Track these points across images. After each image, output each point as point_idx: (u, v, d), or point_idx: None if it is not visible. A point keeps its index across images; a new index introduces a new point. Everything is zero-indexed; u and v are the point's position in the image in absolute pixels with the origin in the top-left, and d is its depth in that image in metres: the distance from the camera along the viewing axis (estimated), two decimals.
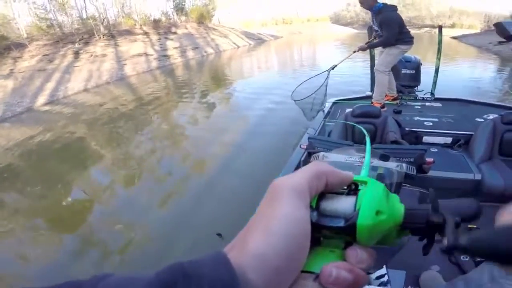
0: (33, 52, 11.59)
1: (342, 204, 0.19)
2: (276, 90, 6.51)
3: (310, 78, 3.21)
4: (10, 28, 13.73)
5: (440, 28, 3.06)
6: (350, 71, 6.63)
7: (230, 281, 0.15)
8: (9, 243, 2.58)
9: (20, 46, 11.99)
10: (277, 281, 0.17)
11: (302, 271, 0.18)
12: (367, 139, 0.48)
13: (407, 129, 2.27)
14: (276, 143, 3.82)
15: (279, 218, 0.17)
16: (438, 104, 2.94)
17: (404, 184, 1.38)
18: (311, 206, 0.19)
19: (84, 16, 16.28)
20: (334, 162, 1.43)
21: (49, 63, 10.48)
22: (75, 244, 2.44)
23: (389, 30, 2.71)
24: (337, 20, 37.82)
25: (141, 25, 17.10)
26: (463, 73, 6.77)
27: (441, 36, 2.99)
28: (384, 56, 2.90)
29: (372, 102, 2.97)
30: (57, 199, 3.23)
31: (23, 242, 2.58)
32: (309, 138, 1.77)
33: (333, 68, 3.28)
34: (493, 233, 0.17)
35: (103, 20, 15.95)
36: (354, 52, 3.13)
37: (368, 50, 3.16)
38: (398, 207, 0.19)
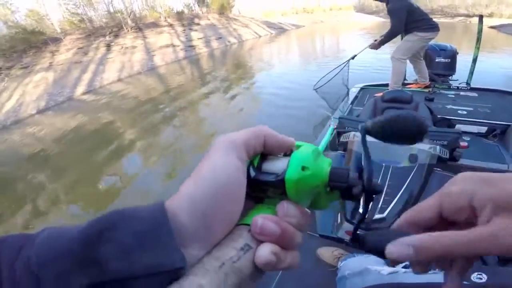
0: (68, 45, 12.18)
1: (278, 163, 0.21)
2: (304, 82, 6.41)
3: (331, 70, 3.32)
4: (44, 24, 14.52)
5: (481, 17, 2.92)
6: (374, 61, 5.95)
7: (161, 220, 0.16)
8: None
9: (56, 40, 12.65)
10: (205, 223, 0.17)
11: (241, 224, 0.19)
12: (331, 128, 0.50)
13: (439, 116, 2.18)
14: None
15: (208, 164, 0.19)
16: (474, 94, 2.81)
17: (436, 169, 1.37)
18: (252, 165, 0.21)
19: (111, 10, 16.84)
20: (358, 144, 1.41)
21: (84, 56, 10.97)
22: None
23: (394, 19, 2.67)
24: (362, 8, 36.24)
25: (165, 18, 17.38)
26: (503, 64, 6.29)
27: (482, 25, 2.84)
28: (402, 43, 2.81)
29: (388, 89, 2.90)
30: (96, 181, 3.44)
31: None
32: (339, 118, 1.74)
33: (353, 58, 3.41)
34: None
35: (130, 14, 16.39)
36: (369, 47, 3.07)
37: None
38: (325, 166, 0.21)
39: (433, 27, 2.71)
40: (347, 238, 1.26)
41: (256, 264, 0.18)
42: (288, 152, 0.22)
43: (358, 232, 0.23)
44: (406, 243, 0.19)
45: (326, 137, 1.99)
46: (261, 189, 0.21)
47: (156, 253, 0.16)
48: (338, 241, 1.28)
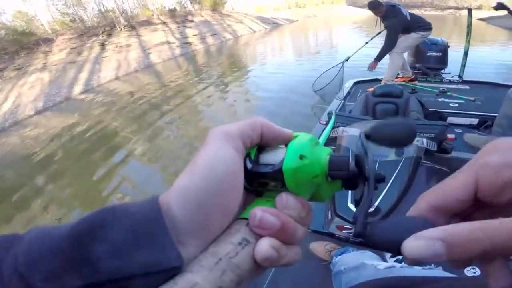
0: (60, 46, 11.96)
1: (275, 154, 0.20)
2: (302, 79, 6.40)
3: (326, 70, 3.63)
4: (34, 25, 14.22)
5: (470, 10, 2.96)
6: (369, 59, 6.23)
7: (154, 215, 0.16)
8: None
9: (48, 41, 12.40)
10: (201, 216, 0.16)
11: (240, 219, 0.18)
12: (333, 117, 0.49)
13: (430, 109, 2.18)
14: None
15: (203, 156, 0.18)
16: (466, 87, 2.83)
17: (425, 162, 1.35)
18: (249, 157, 0.20)
19: (103, 9, 16.56)
20: (351, 135, 1.42)
21: (78, 55, 10.78)
22: None
23: (390, 36, 2.88)
24: (354, 2, 36.22)
25: (158, 15, 17.16)
26: (493, 57, 6.36)
27: (471, 18, 2.88)
28: (403, 40, 2.96)
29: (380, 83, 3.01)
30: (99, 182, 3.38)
31: None
32: (328, 113, 1.73)
33: (347, 60, 3.70)
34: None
35: (122, 12, 16.13)
36: (367, 69, 3.21)
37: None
38: (323, 154, 0.20)
39: (430, 27, 2.93)
40: (338, 232, 1.25)
41: (256, 260, 0.17)
42: (286, 144, 0.21)
43: (362, 223, 0.19)
44: (433, 237, 0.14)
45: (326, 131, 1.98)
46: (260, 182, 0.20)
47: (151, 251, 0.15)
48: (330, 236, 1.28)
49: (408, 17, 2.86)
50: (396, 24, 2.82)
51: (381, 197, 1.14)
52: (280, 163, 0.19)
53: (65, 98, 7.74)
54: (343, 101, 2.69)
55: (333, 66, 3.60)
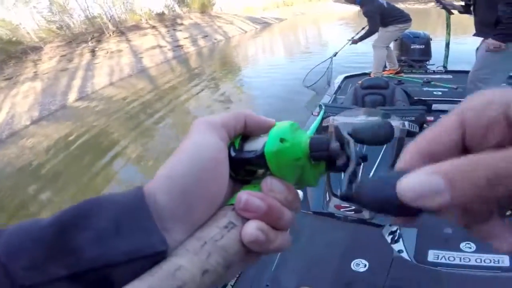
0: (49, 53, 11.76)
1: (258, 142, 0.20)
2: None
3: (316, 66, 3.82)
4: (20, 33, 13.92)
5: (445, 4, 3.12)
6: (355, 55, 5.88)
7: (138, 202, 0.16)
8: None
9: (35, 49, 12.17)
10: (186, 203, 0.16)
11: (227, 205, 0.19)
12: (323, 108, 0.59)
13: (416, 98, 2.33)
14: None
15: (187, 144, 0.18)
16: (449, 76, 2.98)
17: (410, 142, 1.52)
18: (233, 146, 0.20)
19: (89, 16, 16.32)
20: (341, 123, 1.55)
21: (69, 63, 10.64)
22: None
23: (370, 21, 3.03)
24: None
25: (147, 20, 17.03)
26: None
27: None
28: (382, 33, 3.10)
29: (369, 76, 3.16)
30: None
31: None
32: (319, 105, 1.90)
33: (335, 55, 3.82)
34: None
35: (110, 18, 15.95)
36: (350, 43, 3.43)
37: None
38: (304, 137, 0.20)
39: (408, 19, 3.03)
40: (337, 212, 1.31)
41: (243, 243, 0.17)
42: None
43: (347, 185, 0.17)
44: (431, 172, 0.12)
45: (316, 122, 2.10)
46: (246, 171, 0.21)
47: (135, 238, 0.15)
48: (330, 216, 1.35)
49: (385, 5, 2.99)
50: (372, 9, 2.95)
51: (369, 176, 1.27)
52: (262, 148, 0.19)
53: (60, 106, 7.65)
54: (334, 95, 2.84)
55: (322, 62, 3.79)
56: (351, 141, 0.19)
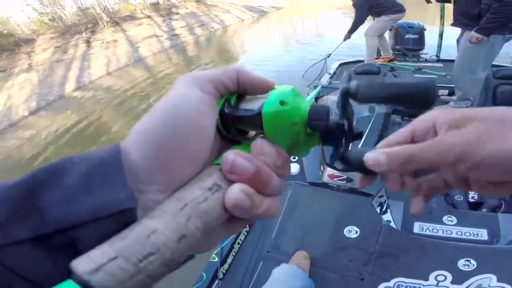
0: (43, 45, 11.49)
1: (256, 102, 0.19)
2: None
3: (313, 65, 3.99)
4: (11, 26, 13.58)
5: None
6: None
7: (110, 158, 0.14)
8: None
9: (28, 41, 11.88)
10: (161, 158, 0.15)
11: (214, 164, 0.17)
12: (319, 87, 0.58)
13: None
14: None
15: (165, 98, 0.17)
16: (440, 64, 3.12)
17: (397, 119, 1.78)
18: (228, 102, 0.19)
19: (82, 7, 15.92)
20: (334, 100, 1.59)
21: (64, 54, 10.41)
22: None
23: (357, 14, 3.08)
24: None
25: (141, 10, 16.65)
26: None
27: (443, 3, 3.08)
28: (375, 23, 3.15)
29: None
30: None
31: None
32: (314, 86, 1.92)
33: (328, 56, 3.98)
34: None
35: (104, 8, 15.57)
36: (345, 40, 3.45)
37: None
38: (305, 104, 0.19)
39: (401, 10, 3.05)
40: (331, 182, 1.43)
41: (226, 207, 0.15)
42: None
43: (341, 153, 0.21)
44: (380, 151, 0.20)
45: (313, 94, 2.19)
46: (238, 130, 0.19)
47: (101, 194, 0.13)
48: (324, 186, 1.45)
49: None
50: (360, 1, 2.98)
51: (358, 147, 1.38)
52: (259, 108, 0.18)
53: (58, 96, 7.51)
54: (330, 79, 3.01)
55: (318, 62, 3.97)
56: (351, 115, 0.21)
